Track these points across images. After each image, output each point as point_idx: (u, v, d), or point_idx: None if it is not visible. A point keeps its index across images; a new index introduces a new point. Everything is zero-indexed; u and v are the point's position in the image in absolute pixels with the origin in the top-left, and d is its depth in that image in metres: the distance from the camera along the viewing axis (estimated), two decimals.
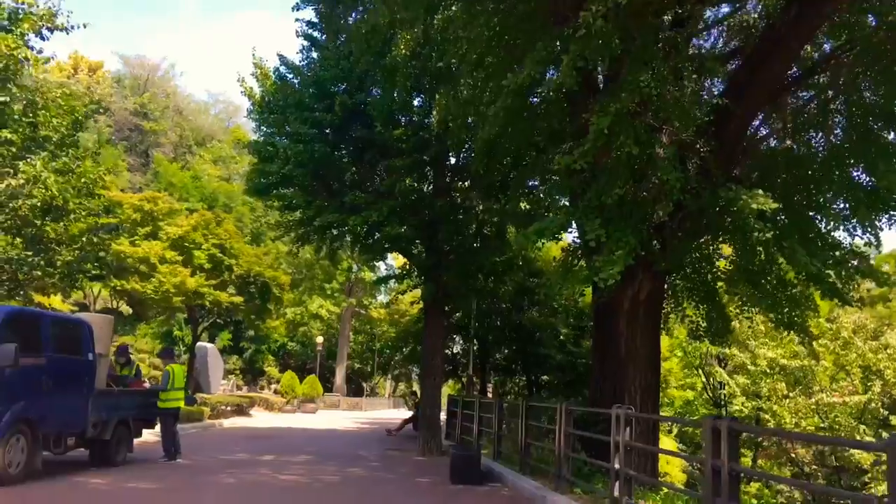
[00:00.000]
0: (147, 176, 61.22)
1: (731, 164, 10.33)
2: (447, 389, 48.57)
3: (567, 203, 9.69)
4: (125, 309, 50.88)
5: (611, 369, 11.46)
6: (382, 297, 55.75)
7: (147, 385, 13.40)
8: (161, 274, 23.60)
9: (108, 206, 17.14)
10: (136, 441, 13.48)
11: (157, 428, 13.46)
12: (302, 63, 17.58)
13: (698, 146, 9.56)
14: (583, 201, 9.21)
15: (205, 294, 25.55)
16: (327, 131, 16.86)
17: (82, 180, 16.07)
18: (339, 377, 52.46)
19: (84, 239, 16.64)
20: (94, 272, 18.94)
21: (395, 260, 30.41)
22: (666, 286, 12.58)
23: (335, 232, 18.73)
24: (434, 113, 12.19)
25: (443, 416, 22.73)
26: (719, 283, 13.00)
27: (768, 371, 25.25)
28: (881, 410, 22.79)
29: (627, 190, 9.07)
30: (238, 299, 27.23)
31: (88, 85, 66.96)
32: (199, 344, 32.89)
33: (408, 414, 25.88)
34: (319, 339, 47.04)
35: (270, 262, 31.66)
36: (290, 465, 13.53)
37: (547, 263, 23.59)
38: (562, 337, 22.94)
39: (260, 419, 30.59)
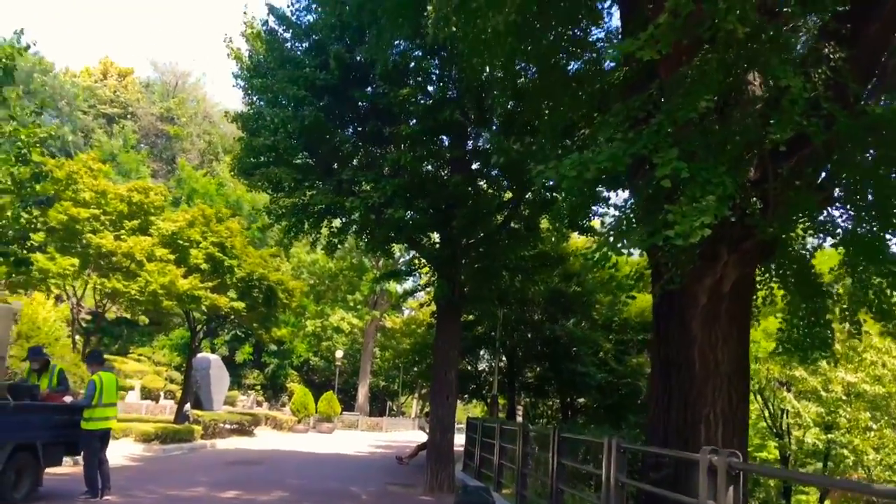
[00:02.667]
0: (170, 182, 59.22)
1: (866, 82, 6.98)
2: (473, 410, 45.13)
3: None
4: (142, 319, 48.70)
5: (679, 390, 8.10)
6: (409, 313, 52.77)
7: (69, 399, 10.38)
8: (147, 273, 20.77)
9: (40, 173, 14.24)
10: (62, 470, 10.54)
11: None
12: (294, 14, 14.70)
13: (828, 50, 6.28)
14: (649, 127, 5.98)
15: (200, 297, 22.68)
16: (321, 95, 13.90)
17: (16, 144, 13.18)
18: (362, 395, 49.35)
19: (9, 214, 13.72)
20: (18, 255, 16.00)
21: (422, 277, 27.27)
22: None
23: (333, 219, 15.76)
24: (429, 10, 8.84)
25: (462, 441, 19.45)
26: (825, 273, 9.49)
27: (844, 398, 21.49)
28: None
29: (719, 107, 5.86)
30: (239, 304, 24.29)
31: (115, 89, 65.69)
32: (200, 355, 30.10)
33: (423, 438, 22.55)
34: (339, 354, 43.94)
35: (278, 265, 28.77)
36: None
37: (585, 264, 20.25)
38: (602, 353, 19.51)
39: (263, 440, 27.56)
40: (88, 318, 50.70)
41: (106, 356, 47.99)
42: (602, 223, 16.98)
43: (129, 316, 36.00)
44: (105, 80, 67.96)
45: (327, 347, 53.26)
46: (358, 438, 34.96)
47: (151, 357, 54.41)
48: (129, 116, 63.58)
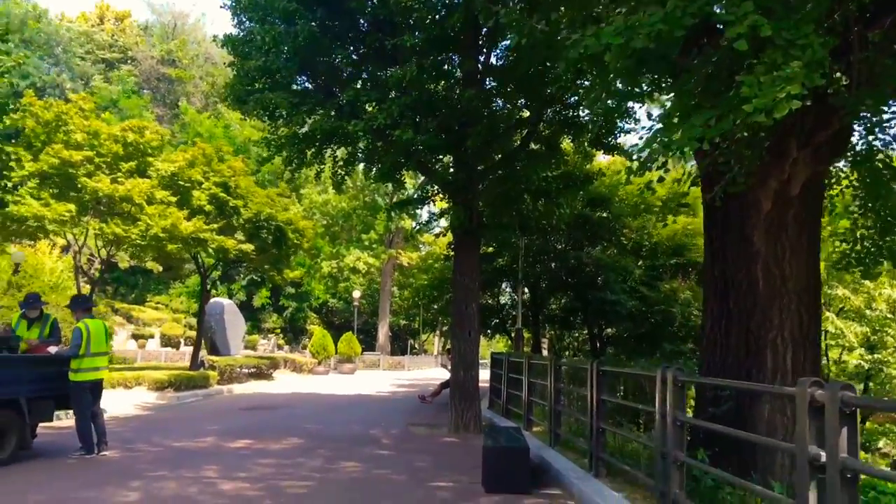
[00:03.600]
0: (175, 126, 57.84)
1: None
2: (496, 346, 44.46)
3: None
4: (154, 265, 48.07)
5: (739, 313, 7.00)
6: (426, 249, 51.69)
7: (53, 349, 9.46)
8: (148, 216, 19.75)
9: (5, 104, 13.04)
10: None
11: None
12: None
13: None
14: None
15: (206, 240, 21.71)
16: (314, 7, 12.53)
17: None
18: (382, 335, 48.87)
19: None
20: None
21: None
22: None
23: (336, 147, 14.57)
24: None
25: (487, 377, 18.59)
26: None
27: (889, 316, 20.37)
28: None
29: None
30: (248, 247, 23.34)
31: (112, 33, 63.83)
32: (213, 300, 29.43)
33: (447, 375, 21.74)
34: (356, 294, 43.15)
35: (287, 205, 27.68)
36: (259, 457, 9.52)
37: (612, 188, 18.97)
38: (631, 280, 18.39)
39: (282, 384, 27.00)
40: (99, 267, 50.51)
41: (124, 305, 47.35)
42: (626, 148, 15.71)
43: (136, 263, 35.15)
44: (102, 24, 66.00)
45: (345, 289, 52.58)
46: (379, 378, 34.45)
47: (169, 305, 54.08)
48: (128, 61, 61.80)
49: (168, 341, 44.55)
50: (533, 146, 14.04)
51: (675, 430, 5.70)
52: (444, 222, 15.53)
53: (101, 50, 60.98)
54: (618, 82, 6.59)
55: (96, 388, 9.53)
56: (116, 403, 16.32)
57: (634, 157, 6.33)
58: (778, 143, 6.32)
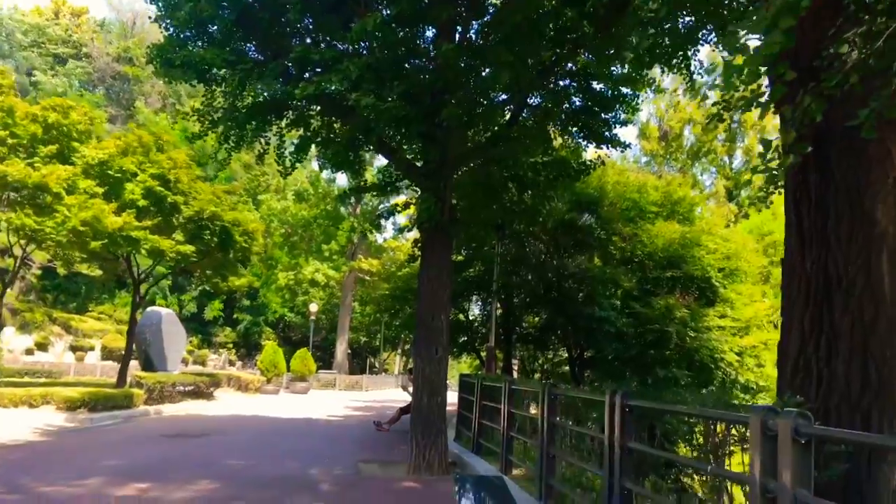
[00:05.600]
0: (129, 126, 54.73)
1: None
2: (460, 367, 41.70)
3: None
4: (92, 270, 44.75)
5: (851, 327, 4.67)
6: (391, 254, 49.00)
7: None
8: (66, 206, 17.00)
9: None
10: None
11: None
12: None
13: None
14: None
15: (138, 239, 18.99)
16: None
17: None
18: (340, 352, 46.02)
19: None
20: None
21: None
22: None
23: (280, 120, 12.11)
24: None
25: (453, 400, 16.12)
26: None
27: None
28: None
29: None
30: (187, 248, 20.65)
31: (67, 28, 60.63)
32: (150, 309, 26.53)
33: (407, 398, 19.13)
34: (313, 307, 40.33)
35: (235, 203, 25.04)
36: None
37: (600, 189, 16.77)
38: (620, 296, 16.12)
39: (223, 404, 24.18)
40: (38, 272, 46.95)
41: (63, 314, 43.75)
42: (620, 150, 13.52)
43: (54, 263, 32.09)
44: (57, 19, 62.75)
45: (303, 302, 49.74)
46: (334, 399, 31.70)
47: (113, 315, 50.56)
48: (82, 57, 58.60)
49: (109, 354, 41.16)
50: (525, 122, 11.77)
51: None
52: (402, 219, 13.09)
53: (52, 44, 57.71)
54: None
55: None
56: (11, 426, 13.59)
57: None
58: None
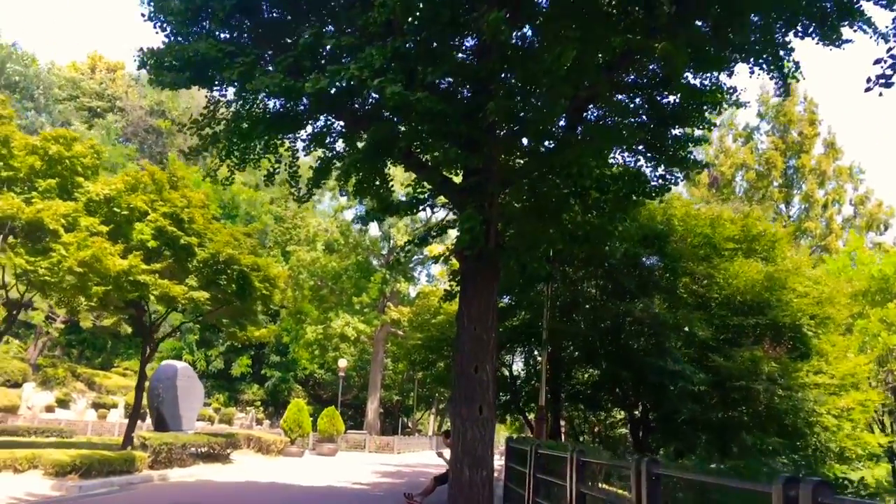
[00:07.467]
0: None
1: None
2: (501, 431, 38.49)
3: None
4: (124, 328, 43.26)
5: None
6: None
7: None
8: (62, 245, 15.24)
9: None
10: None
11: None
12: None
13: None
14: None
15: (146, 284, 17.14)
16: None
17: None
18: (371, 411, 43.51)
19: None
20: None
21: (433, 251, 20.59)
22: None
23: (294, 130, 10.19)
24: None
25: (498, 465, 13.66)
26: None
27: None
28: None
29: None
30: (201, 294, 18.74)
31: (101, 82, 60.89)
32: (164, 362, 24.59)
33: (443, 465, 16.57)
34: (342, 363, 38.07)
35: (255, 246, 23.17)
36: None
37: (667, 222, 14.48)
38: (696, 347, 13.66)
39: (240, 468, 21.87)
40: (61, 327, 45.62)
41: (87, 369, 42.10)
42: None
43: (53, 306, 30.44)
44: (93, 74, 63.21)
45: (334, 359, 47.57)
46: (363, 462, 29.17)
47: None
48: (115, 111, 58.57)
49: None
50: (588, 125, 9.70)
51: None
52: (439, 247, 10.91)
53: (87, 97, 57.80)
54: None
55: None
56: None
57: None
58: None
